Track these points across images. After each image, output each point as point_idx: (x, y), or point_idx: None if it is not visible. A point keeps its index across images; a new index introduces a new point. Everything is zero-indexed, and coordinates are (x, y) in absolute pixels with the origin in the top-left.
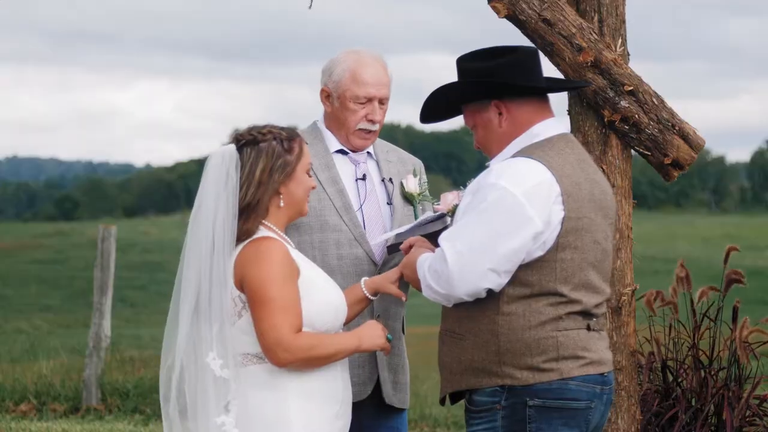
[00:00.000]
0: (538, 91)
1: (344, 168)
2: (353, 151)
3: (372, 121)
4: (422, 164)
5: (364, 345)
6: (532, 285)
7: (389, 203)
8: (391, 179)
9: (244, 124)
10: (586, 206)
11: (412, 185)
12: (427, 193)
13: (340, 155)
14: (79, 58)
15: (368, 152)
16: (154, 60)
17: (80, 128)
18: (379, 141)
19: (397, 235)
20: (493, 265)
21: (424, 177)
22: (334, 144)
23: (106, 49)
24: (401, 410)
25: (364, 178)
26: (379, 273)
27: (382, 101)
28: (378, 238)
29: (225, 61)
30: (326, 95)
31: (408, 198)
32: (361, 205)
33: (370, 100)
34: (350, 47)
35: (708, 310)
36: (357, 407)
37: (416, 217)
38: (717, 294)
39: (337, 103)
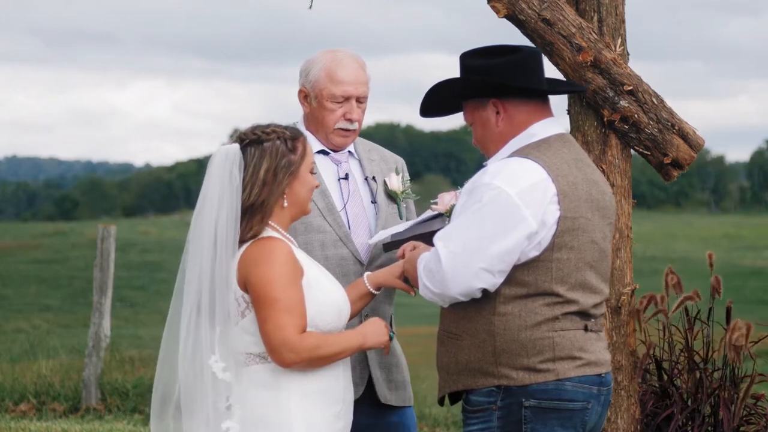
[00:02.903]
0: (535, 92)
1: (326, 168)
2: (334, 151)
3: (350, 120)
4: (404, 162)
5: (368, 343)
6: (528, 285)
7: (373, 202)
8: (374, 177)
9: (242, 124)
10: (582, 206)
11: (395, 183)
12: (410, 190)
13: (321, 156)
14: (76, 58)
15: (350, 151)
16: (152, 60)
17: (79, 128)
18: (360, 140)
19: (393, 234)
20: (486, 264)
21: (407, 175)
22: (314, 145)
23: (102, 49)
24: (403, 408)
25: (346, 177)
26: (366, 272)
27: (360, 99)
28: (373, 237)
29: (223, 62)
30: (304, 96)
31: (391, 196)
32: (345, 205)
33: (347, 98)
34: (348, 47)
35: (699, 312)
36: (354, 407)
37: (400, 215)
38: (707, 294)
39: (314, 103)
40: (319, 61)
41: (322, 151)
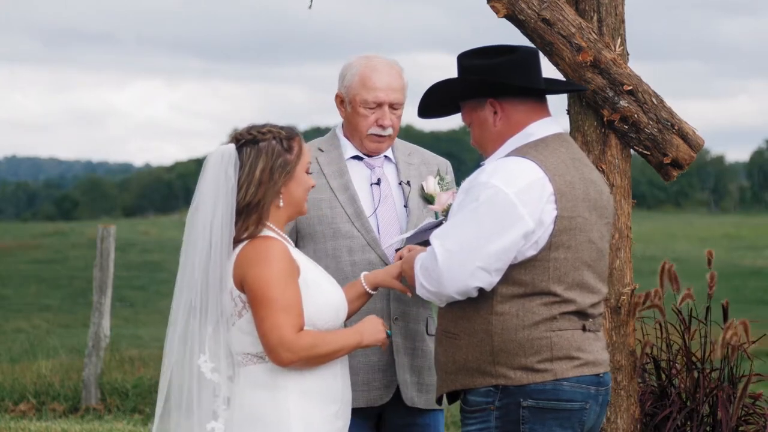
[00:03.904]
0: (532, 92)
1: (359, 173)
2: (369, 156)
3: (382, 126)
4: (449, 164)
5: (365, 341)
6: (526, 284)
7: (405, 206)
8: (408, 182)
9: (242, 124)
10: (580, 205)
11: (431, 186)
12: None
13: (355, 161)
14: (75, 58)
15: (386, 156)
16: (150, 60)
17: (79, 128)
18: (401, 143)
19: (407, 238)
20: (482, 263)
21: (450, 177)
22: (349, 150)
23: (101, 49)
24: (433, 411)
25: (378, 182)
26: (363, 272)
27: (394, 106)
28: (391, 241)
29: (222, 62)
30: (340, 101)
31: (428, 199)
32: (375, 210)
33: (379, 104)
34: (347, 48)
35: (693, 311)
36: (386, 410)
37: (437, 218)
38: (705, 294)
39: (349, 108)
40: (354, 67)
41: (356, 157)
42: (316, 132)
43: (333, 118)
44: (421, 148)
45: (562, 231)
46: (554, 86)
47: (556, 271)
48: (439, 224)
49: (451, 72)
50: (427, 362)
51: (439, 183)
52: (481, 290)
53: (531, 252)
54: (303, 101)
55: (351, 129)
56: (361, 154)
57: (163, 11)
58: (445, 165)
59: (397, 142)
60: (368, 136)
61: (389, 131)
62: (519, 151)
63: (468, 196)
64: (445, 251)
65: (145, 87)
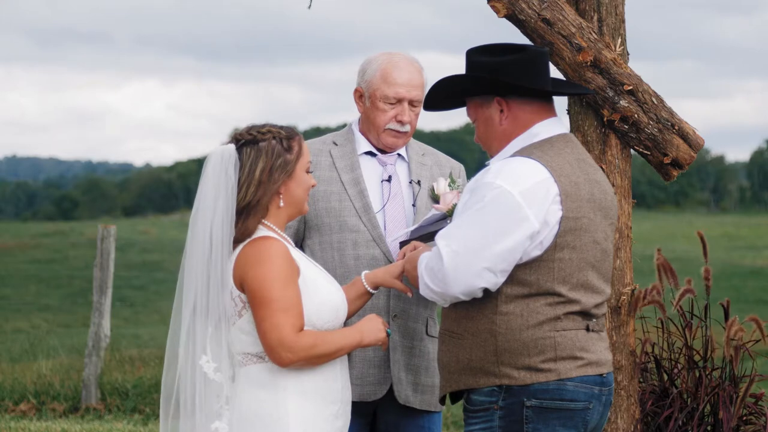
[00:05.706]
0: (539, 93)
1: (370, 169)
2: (383, 152)
3: (401, 122)
4: (463, 168)
5: (365, 340)
6: (530, 285)
7: (414, 205)
8: (419, 181)
9: (239, 124)
10: (585, 206)
11: (442, 188)
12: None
13: (368, 157)
14: (72, 57)
15: (399, 154)
16: (148, 59)
17: (77, 128)
18: (416, 144)
19: (412, 231)
20: (488, 264)
21: (462, 180)
22: (363, 146)
23: (98, 49)
24: (431, 413)
25: (389, 179)
26: (364, 271)
27: (413, 103)
28: (395, 236)
29: (221, 61)
30: (359, 95)
31: (436, 200)
32: (384, 207)
33: (399, 100)
34: (345, 48)
35: (694, 309)
36: (380, 407)
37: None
38: (704, 293)
39: (368, 103)
40: (375, 62)
41: (369, 153)
42: (316, 132)
43: (332, 118)
44: (436, 150)
45: (567, 231)
46: (561, 88)
47: (561, 272)
48: (443, 217)
49: (449, 72)
50: (424, 362)
51: (450, 185)
52: (485, 290)
53: (536, 252)
54: (301, 101)
55: (369, 124)
56: (374, 151)
57: (159, 11)
58: (459, 168)
59: (413, 141)
60: (386, 131)
61: (407, 128)
62: (524, 151)
63: (473, 197)
64: (451, 252)
65: (144, 87)
